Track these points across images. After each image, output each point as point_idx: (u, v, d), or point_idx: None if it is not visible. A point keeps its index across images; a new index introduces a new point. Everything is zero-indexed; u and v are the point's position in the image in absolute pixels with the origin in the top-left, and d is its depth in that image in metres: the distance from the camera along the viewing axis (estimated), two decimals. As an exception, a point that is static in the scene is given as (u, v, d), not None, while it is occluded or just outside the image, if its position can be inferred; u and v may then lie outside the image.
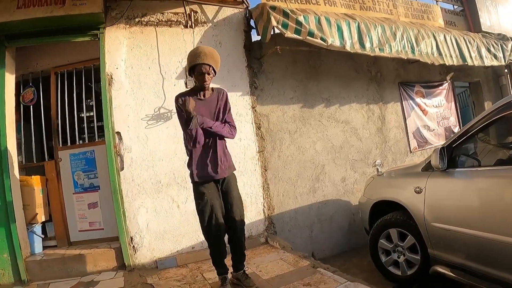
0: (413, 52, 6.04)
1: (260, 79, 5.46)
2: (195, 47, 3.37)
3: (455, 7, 8.54)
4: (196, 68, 3.27)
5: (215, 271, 3.57)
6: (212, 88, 3.51)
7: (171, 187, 4.72)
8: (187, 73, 3.41)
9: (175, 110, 4.62)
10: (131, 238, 4.53)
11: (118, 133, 4.57)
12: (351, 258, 5.47)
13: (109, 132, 4.49)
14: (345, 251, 5.86)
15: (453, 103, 8.18)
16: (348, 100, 6.33)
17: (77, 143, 5.10)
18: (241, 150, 5.05)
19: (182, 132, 3.42)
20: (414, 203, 3.69)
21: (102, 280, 4.17)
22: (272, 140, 5.46)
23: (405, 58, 5.99)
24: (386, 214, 4.16)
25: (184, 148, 3.54)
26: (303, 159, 5.73)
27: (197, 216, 3.43)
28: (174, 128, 4.67)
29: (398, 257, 4.01)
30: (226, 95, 3.56)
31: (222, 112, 3.50)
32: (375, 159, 6.00)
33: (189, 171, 3.44)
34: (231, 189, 3.49)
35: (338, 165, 6.09)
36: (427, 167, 3.66)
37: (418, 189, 3.64)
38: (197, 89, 3.43)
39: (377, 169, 4.71)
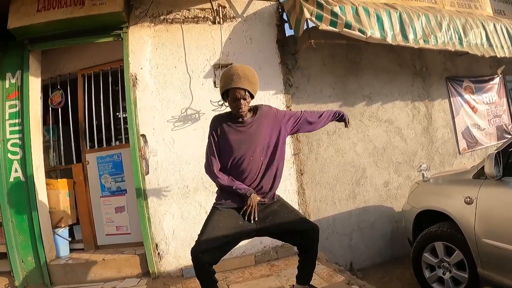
0: (461, 43, 5.53)
1: (295, 76, 5.15)
2: (228, 66, 2.92)
3: (505, -6, 7.90)
4: (229, 93, 2.80)
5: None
6: (251, 108, 2.99)
7: (198, 192, 4.50)
8: (220, 94, 2.94)
9: (203, 111, 4.48)
10: (156, 244, 4.37)
11: (143, 135, 4.40)
12: (393, 269, 5.10)
13: (133, 134, 4.34)
14: (387, 261, 5.47)
15: (505, 99, 7.59)
16: (391, 98, 5.92)
17: (104, 146, 5.02)
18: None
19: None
20: (463, 214, 3.32)
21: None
22: (308, 142, 5.16)
23: (453, 50, 5.49)
24: (432, 224, 3.81)
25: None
26: (342, 162, 5.40)
27: None
28: (202, 130, 4.43)
29: (444, 274, 3.64)
30: (271, 109, 3.06)
31: (287, 125, 3.03)
32: (421, 163, 5.75)
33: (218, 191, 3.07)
34: (280, 210, 3.03)
35: (380, 168, 5.71)
36: (479, 175, 3.31)
37: (468, 199, 3.28)
38: (235, 115, 2.91)
39: (423, 174, 4.33)
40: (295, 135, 4.86)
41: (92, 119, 4.96)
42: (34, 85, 4.51)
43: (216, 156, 2.90)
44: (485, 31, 5.86)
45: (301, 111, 3.13)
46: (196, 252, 2.69)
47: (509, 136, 6.91)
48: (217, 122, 2.93)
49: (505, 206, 3.01)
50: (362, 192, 5.51)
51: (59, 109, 5.13)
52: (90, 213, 4.95)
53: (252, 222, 2.87)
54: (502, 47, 6.00)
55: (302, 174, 5.01)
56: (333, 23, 4.47)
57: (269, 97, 4.83)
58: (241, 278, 4.09)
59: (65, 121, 5.13)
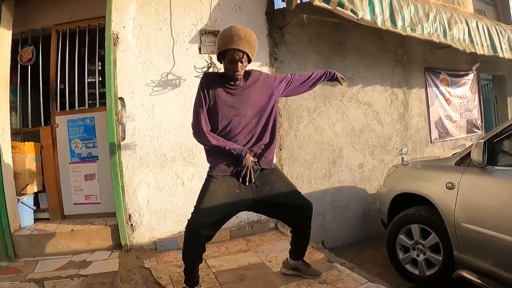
0: (445, 36, 5.66)
1: (281, 50, 5.02)
2: (228, 26, 2.67)
3: (486, -5, 8.10)
4: (227, 53, 2.60)
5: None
6: (245, 72, 2.80)
7: (176, 162, 4.30)
8: (215, 55, 2.74)
9: (184, 77, 4.26)
10: (129, 215, 4.13)
11: (121, 98, 4.13)
12: (364, 249, 5.19)
13: (111, 97, 4.04)
14: (358, 242, 5.60)
15: (477, 95, 7.96)
16: (372, 81, 5.97)
17: (76, 108, 4.69)
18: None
19: (192, 106, 2.80)
20: (444, 199, 3.36)
21: (95, 261, 3.77)
22: (289, 118, 5.09)
23: (437, 41, 5.60)
24: (407, 208, 3.88)
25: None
26: (321, 140, 5.39)
27: None
28: (183, 97, 4.26)
29: (418, 256, 3.72)
30: (262, 74, 2.91)
31: (279, 88, 2.91)
32: (399, 147, 6.01)
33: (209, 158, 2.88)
34: (277, 181, 2.90)
35: (356, 149, 5.77)
36: (462, 161, 3.35)
37: (450, 185, 3.32)
38: (229, 77, 2.72)
39: (403, 158, 4.39)
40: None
41: (65, 79, 4.64)
42: (4, 38, 4.15)
43: (206, 115, 2.70)
44: (468, 27, 6.04)
45: (291, 74, 3.03)
46: (194, 226, 2.56)
47: (478, 131, 7.56)
48: (209, 80, 2.74)
49: (486, 193, 3.06)
50: (338, 172, 5.55)
51: (29, 67, 4.76)
52: (57, 180, 4.63)
53: (248, 185, 2.73)
54: (482, 45, 6.21)
55: (281, 150, 4.96)
56: (326, 0, 4.34)
57: (254, 68, 4.55)
58: (218, 252, 3.94)
59: (34, 81, 4.76)
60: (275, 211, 2.99)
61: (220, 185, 2.70)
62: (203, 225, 2.55)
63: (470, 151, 3.17)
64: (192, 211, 2.64)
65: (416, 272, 3.72)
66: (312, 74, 3.11)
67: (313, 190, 5.33)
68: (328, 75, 3.16)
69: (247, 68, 2.76)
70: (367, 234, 5.71)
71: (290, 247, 3.20)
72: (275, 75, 3.00)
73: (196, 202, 2.67)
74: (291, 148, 5.13)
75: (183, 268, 2.80)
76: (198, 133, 2.72)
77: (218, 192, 2.66)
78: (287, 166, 5.07)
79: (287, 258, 3.23)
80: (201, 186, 2.76)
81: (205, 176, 2.80)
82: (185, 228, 2.61)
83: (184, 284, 2.83)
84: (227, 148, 2.67)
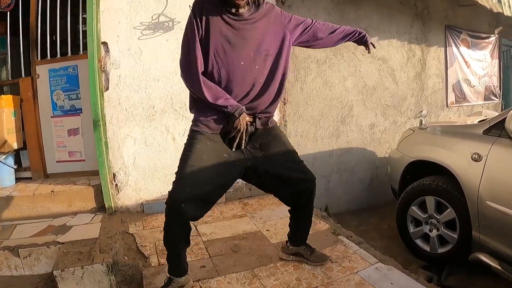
0: None
1: (289, -7, 4.53)
2: None
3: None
4: None
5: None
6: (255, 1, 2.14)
7: (166, 115, 3.88)
8: None
9: (178, 19, 3.72)
10: (114, 174, 3.76)
11: (105, 43, 3.67)
12: (370, 218, 4.95)
13: (93, 41, 3.56)
14: (363, 209, 5.36)
15: (497, 61, 7.64)
16: (388, 35, 5.52)
17: (58, 56, 4.23)
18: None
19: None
20: (467, 172, 2.99)
21: (76, 225, 3.40)
22: (296, 69, 4.65)
23: None
24: (422, 177, 3.55)
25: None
26: (330, 95, 5.00)
27: None
28: (176, 42, 3.76)
29: (430, 231, 3.44)
30: (275, 8, 2.25)
31: (293, 33, 2.26)
32: (415, 109, 5.69)
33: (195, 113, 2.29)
34: (274, 145, 2.33)
35: (368, 108, 5.39)
36: (491, 130, 2.98)
37: (476, 156, 2.94)
38: (230, 2, 2.07)
39: (421, 120, 3.99)
40: None
41: (46, 25, 4.16)
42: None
43: (200, 50, 2.07)
44: None
45: (312, 20, 2.35)
46: (177, 201, 2.03)
47: (496, 99, 7.40)
48: (205, 4, 2.07)
49: None
50: (346, 132, 5.24)
51: (7, 13, 4.30)
52: (39, 136, 4.27)
53: (239, 152, 2.22)
54: (510, 6, 5.87)
55: (285, 104, 4.57)
56: None
57: None
58: (211, 217, 3.57)
59: (14, 29, 4.33)
60: (269, 185, 2.45)
61: (207, 145, 2.15)
62: (188, 199, 2.03)
63: (504, 118, 2.80)
64: (174, 180, 2.11)
65: (427, 248, 3.46)
66: (338, 28, 2.43)
67: (318, 150, 5.02)
68: (357, 35, 2.50)
69: None
70: (373, 201, 5.46)
71: (288, 229, 2.69)
72: (292, 14, 2.28)
73: (178, 168, 2.13)
74: (296, 102, 4.74)
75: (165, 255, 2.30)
76: (190, 74, 2.10)
77: (204, 154, 2.12)
78: (291, 122, 4.71)
79: (287, 242, 2.73)
80: (184, 145, 2.23)
81: None
82: (165, 204, 2.09)
83: (168, 274, 2.29)
84: (218, 103, 2.08)
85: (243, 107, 2.14)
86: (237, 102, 2.14)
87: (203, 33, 2.05)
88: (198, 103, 2.22)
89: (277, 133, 2.39)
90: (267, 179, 2.35)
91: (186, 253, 2.33)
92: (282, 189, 2.42)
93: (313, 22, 2.34)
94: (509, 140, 2.74)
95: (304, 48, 4.39)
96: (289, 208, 2.61)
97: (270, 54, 2.18)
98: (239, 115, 2.10)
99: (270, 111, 2.32)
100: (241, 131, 2.14)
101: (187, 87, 2.16)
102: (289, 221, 2.66)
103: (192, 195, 2.03)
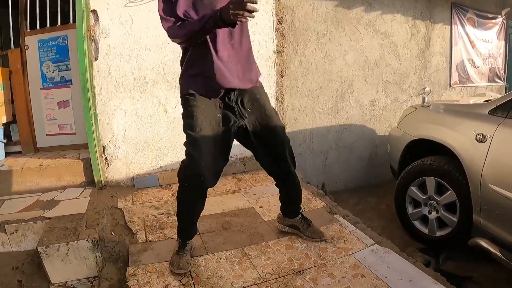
0: None
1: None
2: None
3: None
4: None
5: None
6: None
7: (158, 86, 3.75)
8: None
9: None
10: (104, 147, 3.67)
11: (94, 11, 3.51)
12: (367, 197, 4.82)
13: (82, 9, 3.42)
14: (361, 187, 5.24)
15: (503, 43, 7.38)
16: (392, 9, 5.34)
17: (48, 26, 4.10)
18: (255, 48, 3.86)
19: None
20: (471, 153, 2.87)
21: (64, 200, 3.33)
22: (294, 40, 4.51)
23: None
24: (423, 157, 3.45)
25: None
26: (329, 69, 4.87)
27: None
28: (169, 9, 3.60)
29: (429, 213, 3.35)
30: None
31: None
32: (418, 87, 5.58)
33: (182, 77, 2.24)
34: (263, 104, 2.30)
35: (369, 84, 5.25)
36: (498, 110, 2.84)
37: (480, 137, 2.81)
38: None
39: (424, 98, 3.84)
40: (281, 30, 4.27)
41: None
42: None
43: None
44: None
45: None
46: (197, 175, 2.10)
47: (500, 81, 7.25)
48: None
49: None
50: (346, 108, 5.13)
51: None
52: (28, 109, 4.20)
53: (231, 109, 2.17)
54: None
55: (282, 77, 4.43)
56: None
57: None
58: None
59: (3, 2, 4.18)
60: (251, 143, 2.36)
61: (202, 108, 2.12)
62: (206, 169, 2.10)
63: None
64: (185, 151, 2.16)
65: (425, 230, 3.38)
66: None
67: (316, 126, 4.92)
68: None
69: None
70: (372, 179, 5.36)
71: (280, 203, 2.65)
72: None
73: (187, 139, 2.17)
74: (294, 75, 4.61)
75: (177, 217, 2.35)
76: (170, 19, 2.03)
77: (203, 120, 2.11)
78: (289, 96, 4.61)
79: (281, 216, 2.68)
80: (182, 114, 2.22)
81: None
82: (183, 176, 2.19)
83: (179, 240, 2.36)
84: (198, 26, 1.94)
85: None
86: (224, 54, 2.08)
87: None
88: (188, 68, 2.17)
89: (264, 92, 2.37)
90: (250, 137, 2.30)
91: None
92: (262, 150, 2.37)
93: None
94: None
95: (304, 20, 4.31)
96: (276, 182, 2.55)
97: None
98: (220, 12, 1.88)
99: (252, 67, 2.29)
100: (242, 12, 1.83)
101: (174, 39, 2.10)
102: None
103: (207, 165, 2.10)
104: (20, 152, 4.25)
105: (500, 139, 2.68)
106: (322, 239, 2.56)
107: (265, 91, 2.38)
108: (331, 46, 4.85)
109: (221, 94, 2.14)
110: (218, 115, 2.16)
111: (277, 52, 4.28)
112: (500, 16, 7.12)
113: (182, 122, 2.20)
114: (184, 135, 2.16)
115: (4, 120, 4.05)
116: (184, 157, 2.20)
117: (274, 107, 4.04)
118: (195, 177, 2.10)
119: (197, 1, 2.01)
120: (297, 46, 4.55)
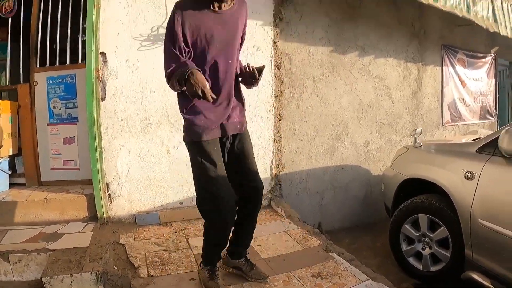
0: (468, 11, 5.24)
1: (287, 10, 4.57)
2: None
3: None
4: None
5: (208, 251, 2.56)
6: None
7: (162, 127, 3.91)
8: None
9: (177, 32, 3.80)
10: (107, 184, 3.78)
11: (103, 53, 3.71)
12: (363, 235, 4.90)
13: (91, 51, 3.61)
14: (357, 226, 5.32)
15: (493, 80, 7.69)
16: (385, 53, 5.58)
17: (57, 64, 4.28)
18: (254, 92, 4.14)
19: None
20: (460, 190, 3.03)
21: (67, 234, 3.41)
22: (292, 85, 4.68)
23: (460, 15, 5.13)
24: (415, 195, 3.57)
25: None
26: (325, 113, 5.04)
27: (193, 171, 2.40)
28: (174, 55, 3.78)
29: (423, 249, 3.43)
30: (245, 3, 2.34)
31: (242, 36, 2.37)
32: (410, 127, 5.73)
33: (186, 120, 2.34)
34: (248, 150, 2.50)
35: (363, 126, 5.42)
36: (485, 149, 3.02)
37: (469, 174, 2.98)
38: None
39: (415, 139, 4.02)
40: (279, 75, 4.47)
41: (46, 33, 4.22)
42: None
43: (182, 50, 2.17)
44: (493, 5, 5.72)
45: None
46: (226, 203, 2.27)
47: (491, 118, 7.40)
48: (181, 8, 2.13)
49: None
50: (341, 149, 5.26)
51: (9, 19, 4.38)
52: (34, 142, 4.30)
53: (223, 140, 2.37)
54: (506, 26, 5.88)
55: (280, 120, 4.59)
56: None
57: (256, 27, 4.25)
58: (201, 231, 3.54)
59: (14, 35, 4.40)
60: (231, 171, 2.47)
61: (209, 147, 2.29)
62: (227, 196, 2.28)
63: (497, 137, 2.83)
64: (204, 185, 2.31)
65: (420, 266, 3.45)
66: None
67: (312, 167, 5.01)
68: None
69: None
70: (367, 218, 5.44)
71: (229, 245, 2.68)
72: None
73: (203, 177, 2.30)
74: (291, 119, 4.76)
75: (207, 249, 2.53)
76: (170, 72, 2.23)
77: (212, 155, 2.28)
78: (286, 138, 4.73)
79: (227, 255, 2.74)
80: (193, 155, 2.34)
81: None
82: (211, 209, 2.32)
83: (207, 267, 2.53)
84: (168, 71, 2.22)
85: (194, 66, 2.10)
86: (227, 98, 2.29)
87: (193, 31, 2.14)
88: (184, 101, 2.31)
89: (248, 136, 2.55)
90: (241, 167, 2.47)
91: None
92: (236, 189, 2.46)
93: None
94: (502, 158, 2.78)
95: (301, 65, 4.49)
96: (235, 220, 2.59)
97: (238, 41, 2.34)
98: (191, 71, 2.03)
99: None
100: (204, 85, 2.01)
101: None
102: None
103: (227, 192, 2.28)
104: (24, 184, 4.31)
105: (487, 175, 2.84)
106: (264, 281, 2.63)
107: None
108: (326, 90, 5.00)
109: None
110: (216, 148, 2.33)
111: (275, 97, 4.44)
112: (489, 55, 7.37)
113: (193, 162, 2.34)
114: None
115: (10, 152, 4.15)
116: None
117: (272, 149, 4.31)
118: (226, 206, 2.27)
119: (200, 34, 2.15)
120: (294, 91, 4.70)
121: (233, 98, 2.33)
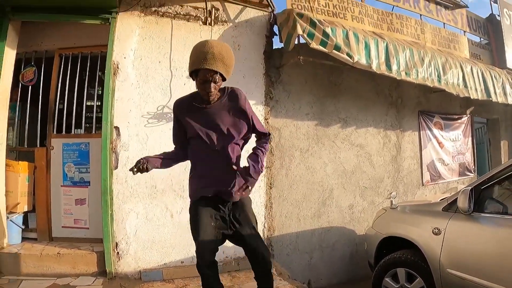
0: (439, 80, 5.79)
1: (276, 90, 5.13)
2: (203, 40, 2.48)
3: (482, 40, 8.28)
4: (199, 73, 2.37)
5: None
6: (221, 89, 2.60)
7: (166, 194, 4.34)
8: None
9: (180, 111, 4.33)
10: (116, 243, 4.15)
11: (117, 128, 4.21)
12: None
13: (107, 125, 4.13)
14: (344, 282, 5.60)
15: (470, 139, 7.97)
16: (365, 123, 6.05)
17: (73, 132, 4.77)
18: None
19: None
20: (430, 244, 3.38)
21: (78, 286, 3.79)
22: (281, 156, 5.15)
23: (431, 86, 5.71)
24: (394, 251, 3.85)
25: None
26: (312, 180, 5.43)
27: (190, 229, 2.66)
28: (177, 130, 4.30)
29: None
30: (242, 95, 2.61)
31: (244, 119, 2.62)
32: (389, 190, 6.00)
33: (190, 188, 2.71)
34: (245, 217, 2.67)
35: (347, 190, 5.80)
36: (449, 207, 3.37)
37: (436, 230, 3.33)
38: (201, 97, 2.54)
39: (391, 201, 4.41)
40: (269, 148, 4.83)
41: (64, 102, 4.70)
42: (9, 57, 4.24)
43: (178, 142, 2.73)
44: (462, 72, 6.13)
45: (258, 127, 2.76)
46: (204, 264, 2.51)
47: (471, 174, 7.53)
48: (180, 105, 2.61)
49: (472, 240, 3.08)
50: (327, 212, 5.55)
51: (29, 87, 4.80)
52: (48, 201, 4.64)
53: (224, 220, 2.61)
54: (476, 90, 6.29)
55: (271, 188, 4.98)
56: (323, 43, 4.52)
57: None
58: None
59: (33, 101, 4.81)
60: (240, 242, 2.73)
61: (203, 210, 2.58)
62: (208, 259, 2.52)
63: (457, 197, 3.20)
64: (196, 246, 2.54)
65: None
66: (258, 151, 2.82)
67: (301, 230, 5.32)
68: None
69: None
70: (353, 275, 5.67)
71: None
72: (249, 105, 2.68)
73: (194, 235, 2.56)
74: (281, 187, 5.14)
75: None
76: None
77: (204, 218, 2.55)
78: (277, 204, 5.08)
79: None
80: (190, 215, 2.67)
81: None
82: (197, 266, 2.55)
83: None
84: None
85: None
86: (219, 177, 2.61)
87: (187, 127, 2.59)
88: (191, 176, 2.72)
89: (248, 205, 2.77)
90: (239, 240, 2.68)
91: None
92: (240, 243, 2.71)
93: (257, 129, 2.76)
94: (463, 215, 3.12)
95: (289, 138, 4.99)
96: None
97: (240, 127, 2.63)
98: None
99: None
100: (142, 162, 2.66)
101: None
102: None
103: (208, 255, 2.51)
104: (35, 239, 4.58)
105: (451, 230, 3.19)
106: None
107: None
108: (313, 160, 5.42)
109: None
110: (213, 224, 2.55)
111: (267, 168, 4.87)
112: (465, 115, 7.72)
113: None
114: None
115: (25, 209, 4.47)
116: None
117: (264, 214, 4.68)
118: (203, 265, 2.49)
119: (200, 127, 2.55)
120: (283, 161, 5.13)
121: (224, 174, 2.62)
